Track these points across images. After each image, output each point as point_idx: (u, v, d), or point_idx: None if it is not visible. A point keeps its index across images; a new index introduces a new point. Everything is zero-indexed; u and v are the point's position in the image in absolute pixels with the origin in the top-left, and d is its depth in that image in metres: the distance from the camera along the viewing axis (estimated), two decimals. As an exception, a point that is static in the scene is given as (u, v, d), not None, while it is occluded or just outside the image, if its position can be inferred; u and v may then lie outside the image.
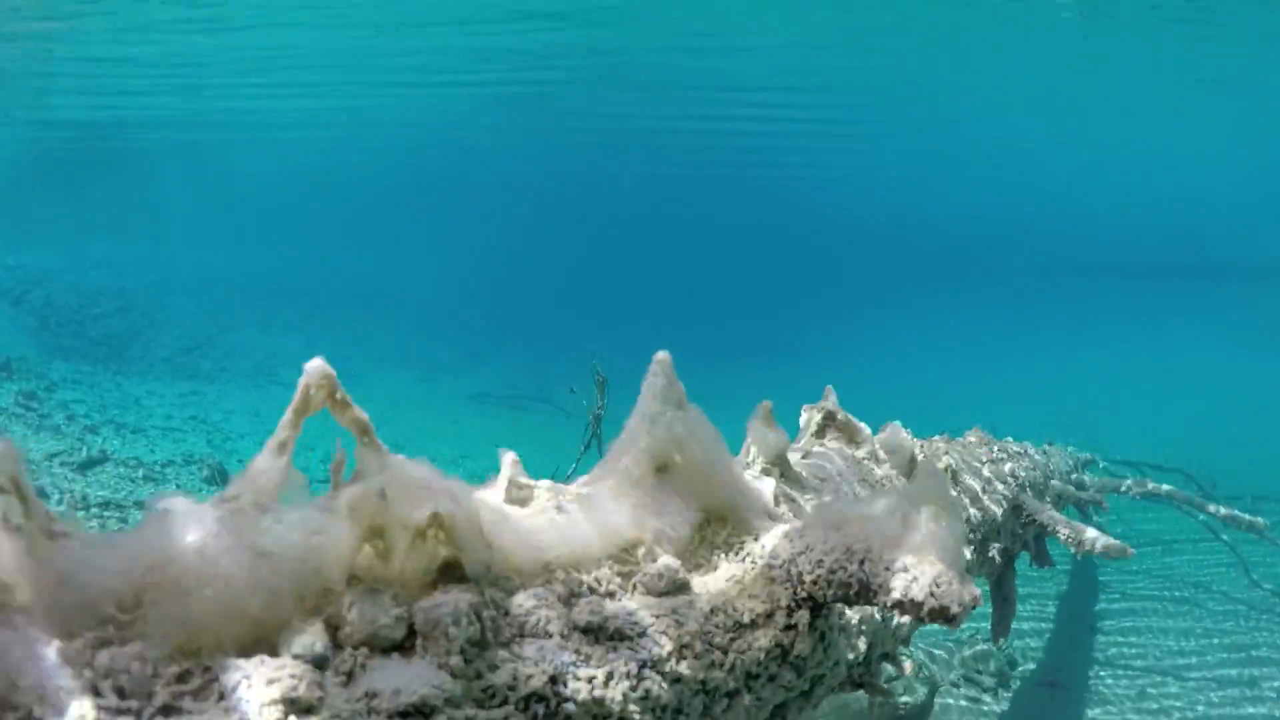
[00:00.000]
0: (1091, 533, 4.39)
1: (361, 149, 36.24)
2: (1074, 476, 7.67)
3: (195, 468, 15.09)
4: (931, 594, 1.61)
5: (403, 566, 1.49)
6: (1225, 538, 11.25)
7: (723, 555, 1.88)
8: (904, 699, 7.70)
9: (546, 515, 1.74)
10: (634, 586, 1.72)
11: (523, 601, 1.56)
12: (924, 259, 58.63)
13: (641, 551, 1.76)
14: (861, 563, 1.69)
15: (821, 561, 1.72)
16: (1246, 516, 8.48)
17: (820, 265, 62.07)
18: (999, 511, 4.05)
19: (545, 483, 1.90)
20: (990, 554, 3.86)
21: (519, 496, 1.84)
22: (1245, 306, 32.67)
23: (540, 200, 55.92)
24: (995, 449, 4.63)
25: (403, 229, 56.99)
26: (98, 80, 25.32)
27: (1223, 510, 8.56)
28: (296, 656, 1.33)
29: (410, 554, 1.49)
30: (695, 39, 21.81)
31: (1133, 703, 8.58)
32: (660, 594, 1.70)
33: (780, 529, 1.89)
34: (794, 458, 2.66)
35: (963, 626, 9.84)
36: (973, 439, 4.79)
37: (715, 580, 1.81)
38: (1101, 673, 9.46)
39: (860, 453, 2.96)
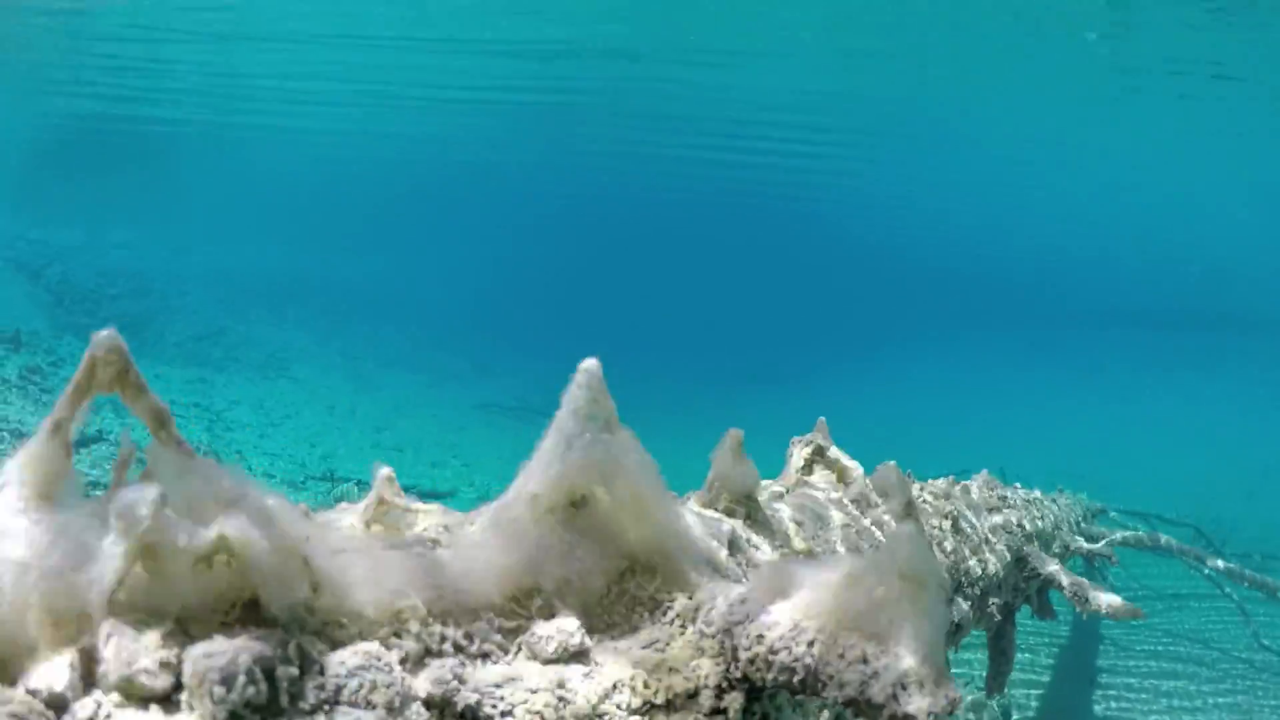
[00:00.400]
0: (1097, 592, 4.06)
1: (385, 152, 36.16)
2: (1083, 526, 7.32)
3: (192, 456, 14.84)
4: (895, 696, 1.24)
5: (185, 599, 1.14)
6: (1234, 596, 10.86)
7: (646, 614, 1.48)
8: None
9: (417, 548, 1.37)
10: (518, 647, 1.35)
11: (346, 659, 1.17)
12: (939, 297, 58.25)
13: (537, 604, 1.38)
14: (811, 644, 1.31)
15: (762, 637, 1.35)
16: (1261, 578, 8.12)
17: (832, 297, 61.67)
18: (1001, 565, 3.72)
19: (435, 506, 1.53)
20: (989, 609, 3.53)
21: (391, 521, 1.46)
22: (1267, 361, 32.14)
23: (555, 216, 55.94)
24: (1002, 495, 4.29)
25: (420, 234, 56.98)
26: (128, 67, 25.36)
27: (1233, 567, 8.19)
28: (31, 691, 1.02)
29: (193, 583, 1.13)
30: (707, 65, 21.68)
31: (1133, 761, 8.25)
32: (548, 661, 1.33)
33: (721, 588, 1.49)
34: (764, 497, 2.33)
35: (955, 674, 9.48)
36: (978, 484, 4.46)
37: (629, 646, 1.42)
38: (1100, 727, 9.14)
39: (849, 494, 2.63)
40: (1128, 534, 8.06)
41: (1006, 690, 9.52)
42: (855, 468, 2.69)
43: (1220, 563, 8.25)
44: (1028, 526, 4.29)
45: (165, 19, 21.17)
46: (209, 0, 19.83)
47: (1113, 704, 9.62)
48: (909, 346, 39.75)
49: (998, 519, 3.98)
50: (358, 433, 18.97)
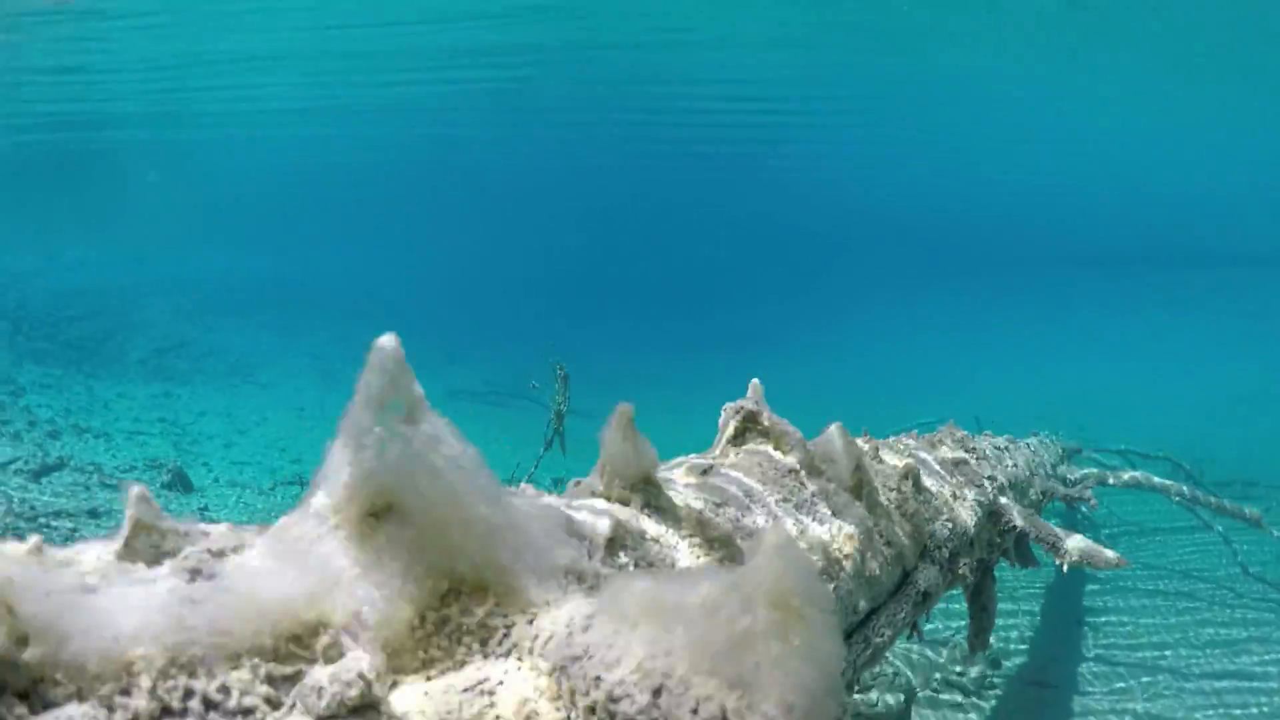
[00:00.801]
0: (1075, 541, 3.80)
1: (338, 147, 35.56)
2: (1060, 469, 7.08)
3: (157, 472, 14.50)
4: (759, 759, 0.91)
5: None
6: (1218, 527, 10.68)
7: (475, 646, 1.16)
8: (876, 709, 7.12)
9: (170, 581, 1.06)
10: (293, 703, 1.03)
11: (50, 726, 0.88)
12: (907, 249, 58.05)
13: (323, 642, 1.06)
14: (657, 692, 0.99)
15: (600, 680, 1.03)
16: (1242, 509, 7.92)
17: (801, 255, 61.35)
18: (972, 520, 3.45)
19: (220, 527, 1.20)
20: (960, 570, 3.26)
21: (152, 550, 1.13)
22: (1232, 293, 32.19)
23: (517, 195, 55.18)
24: (970, 447, 4.01)
25: (380, 226, 56.16)
26: (72, 78, 24.77)
27: (1214, 502, 7.97)
28: None
29: None
30: (674, 30, 21.26)
31: (1125, 701, 8.04)
32: (322, 717, 1.02)
33: (570, 608, 1.16)
34: (678, 474, 2.03)
35: (942, 628, 9.28)
36: (943, 437, 4.17)
37: (444, 689, 1.09)
38: (1091, 670, 8.96)
39: (786, 464, 2.33)
40: (1106, 473, 7.83)
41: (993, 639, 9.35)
42: (793, 433, 2.39)
43: (1212, 499, 8.02)
44: (1000, 478, 4.02)
45: (102, 28, 20.63)
46: (146, 4, 19.27)
47: (1102, 642, 9.45)
48: (877, 301, 39.53)
49: (965, 473, 3.70)
50: (328, 433, 18.41)
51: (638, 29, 21.23)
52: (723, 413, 2.51)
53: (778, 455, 2.34)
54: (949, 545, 3.11)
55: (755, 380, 2.52)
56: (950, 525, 3.19)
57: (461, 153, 38.35)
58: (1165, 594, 10.50)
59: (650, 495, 1.75)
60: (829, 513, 2.23)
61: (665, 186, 52.43)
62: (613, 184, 51.18)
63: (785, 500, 2.16)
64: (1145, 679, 8.50)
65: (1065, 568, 3.85)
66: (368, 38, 21.52)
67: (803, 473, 2.29)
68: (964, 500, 3.45)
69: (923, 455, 3.58)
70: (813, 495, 2.24)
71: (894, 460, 3.08)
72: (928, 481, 3.24)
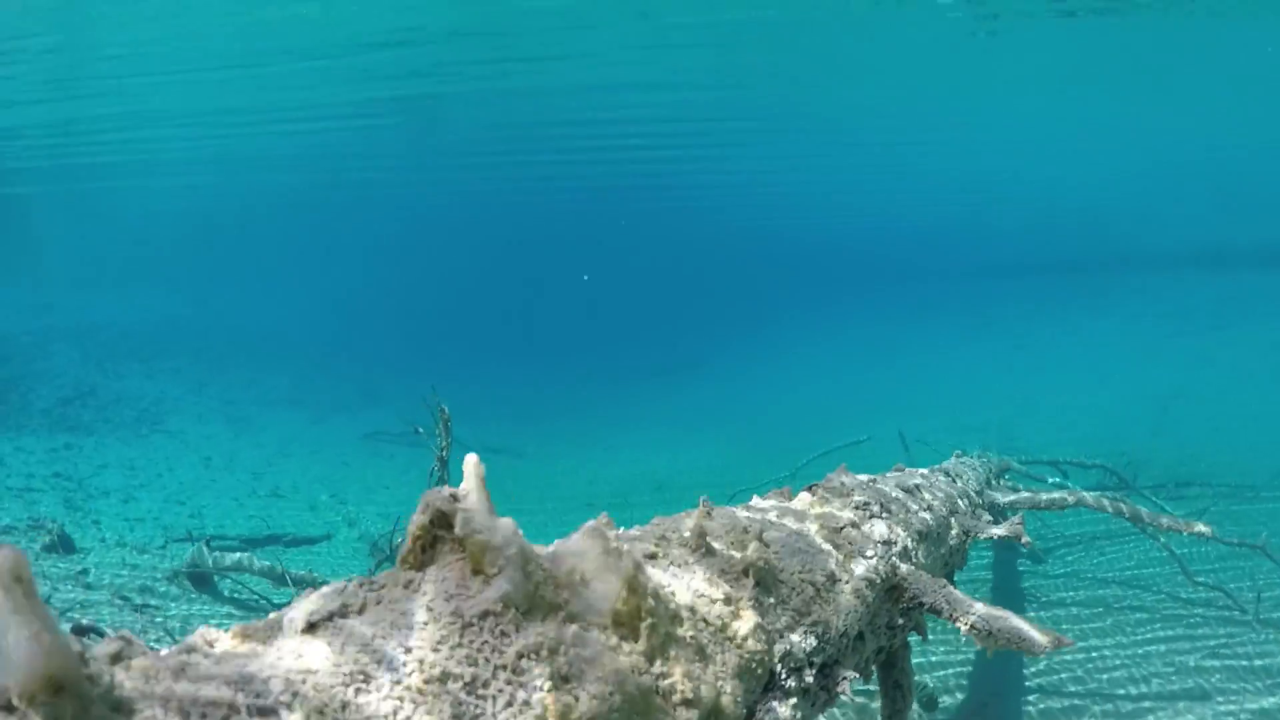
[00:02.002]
0: (999, 622, 2.81)
1: (249, 188, 34.15)
2: (988, 494, 6.18)
3: (39, 533, 13.19)
4: None
5: None
6: (1160, 537, 9.89)
7: None
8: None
9: None
10: None
11: None
12: (826, 269, 57.59)
13: None
14: None
15: None
16: (1191, 523, 7.09)
17: (722, 281, 60.40)
18: (856, 614, 2.47)
19: None
20: (840, 687, 2.27)
21: None
22: (1149, 295, 31.84)
23: (437, 232, 53.79)
24: (863, 502, 3.02)
25: (293, 266, 54.38)
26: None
27: (1161, 521, 7.11)
28: None
29: None
30: (569, 58, 20.44)
31: (1075, 728, 7.20)
32: None
33: None
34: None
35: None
36: (833, 489, 3.18)
37: None
38: (1035, 699, 8.12)
39: (487, 596, 1.31)
40: (1040, 495, 6.91)
41: (929, 671, 8.42)
42: (506, 543, 1.38)
43: (1161, 518, 7.17)
44: (901, 538, 3.04)
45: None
46: (40, 44, 18.09)
47: (1047, 671, 8.61)
48: (799, 323, 38.77)
49: (853, 540, 2.73)
50: (234, 483, 17.34)
51: (546, 65, 20.49)
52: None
53: (473, 585, 1.32)
54: (818, 658, 2.13)
55: (471, 457, 1.51)
56: (820, 630, 2.20)
57: (373, 189, 37.16)
58: (1110, 609, 9.68)
59: None
60: (545, 686, 1.22)
61: (584, 220, 51.63)
62: (529, 219, 50.20)
63: (450, 682, 1.14)
64: (1098, 709, 7.66)
65: (990, 654, 2.90)
66: (265, 85, 20.50)
67: (511, 614, 1.27)
68: (846, 582, 2.48)
69: (785, 527, 2.58)
70: (518, 658, 1.22)
71: (731, 551, 2.08)
72: (789, 568, 2.26)
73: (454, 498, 1.53)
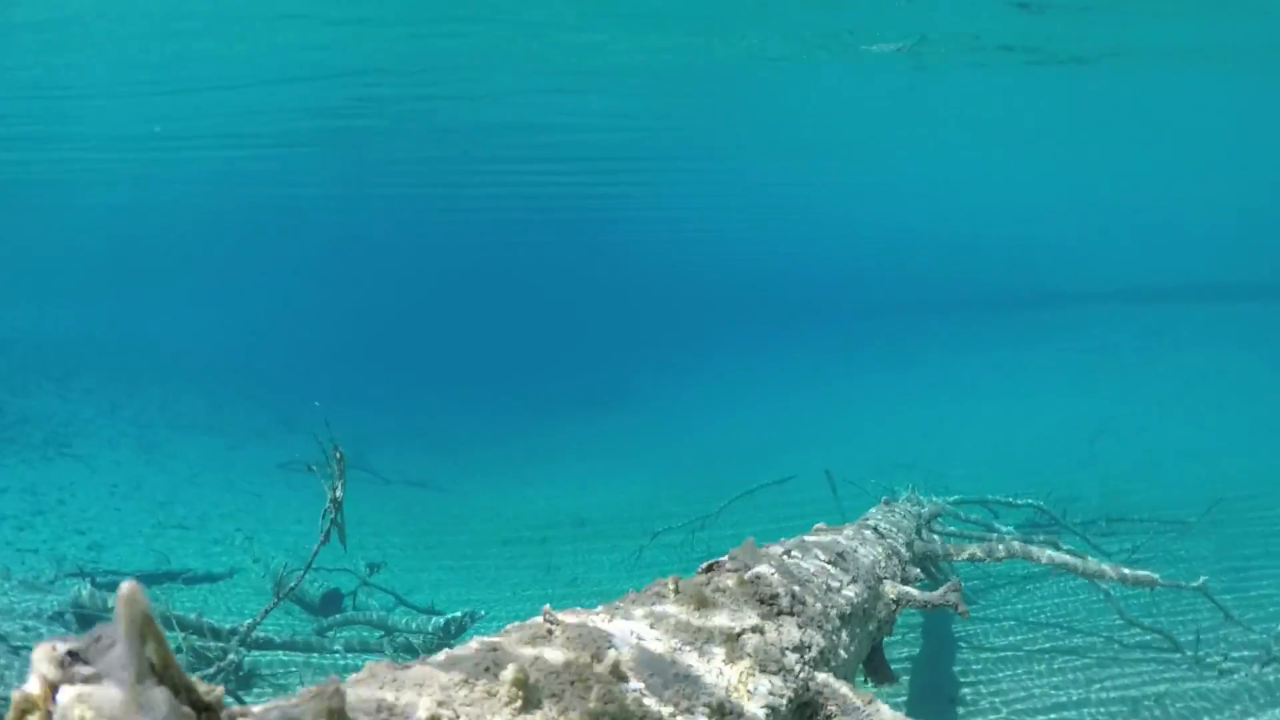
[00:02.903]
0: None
1: (170, 208, 32.87)
2: (919, 545, 5.57)
3: (-89, 565, 12.12)
4: None
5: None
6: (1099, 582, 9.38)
7: None
8: None
9: None
10: None
11: None
12: (754, 304, 57.11)
13: None
14: None
15: None
16: (1137, 572, 6.57)
17: (647, 314, 59.40)
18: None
19: None
20: None
21: None
22: (1074, 330, 31.79)
23: (361, 259, 52.49)
24: (773, 594, 2.32)
25: (215, 288, 52.51)
26: None
27: (1108, 571, 6.57)
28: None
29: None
30: (500, 93, 19.84)
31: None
32: None
33: None
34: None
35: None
36: (706, 599, 2.45)
37: None
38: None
39: None
40: (975, 547, 6.31)
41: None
42: None
43: (1105, 567, 6.62)
44: (817, 645, 2.35)
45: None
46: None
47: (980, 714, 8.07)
48: (726, 359, 38.08)
49: (758, 651, 2.05)
50: (138, 513, 16.26)
51: (476, 91, 19.89)
52: None
53: None
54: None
55: (125, 589, 0.84)
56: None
57: (294, 218, 36.12)
58: (1045, 653, 9.14)
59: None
60: None
61: (510, 250, 50.89)
62: (453, 248, 49.27)
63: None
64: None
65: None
66: (186, 112, 19.68)
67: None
68: (743, 713, 1.80)
69: (650, 652, 1.89)
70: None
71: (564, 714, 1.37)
72: (651, 714, 1.57)
73: (73, 658, 0.85)
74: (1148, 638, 9.10)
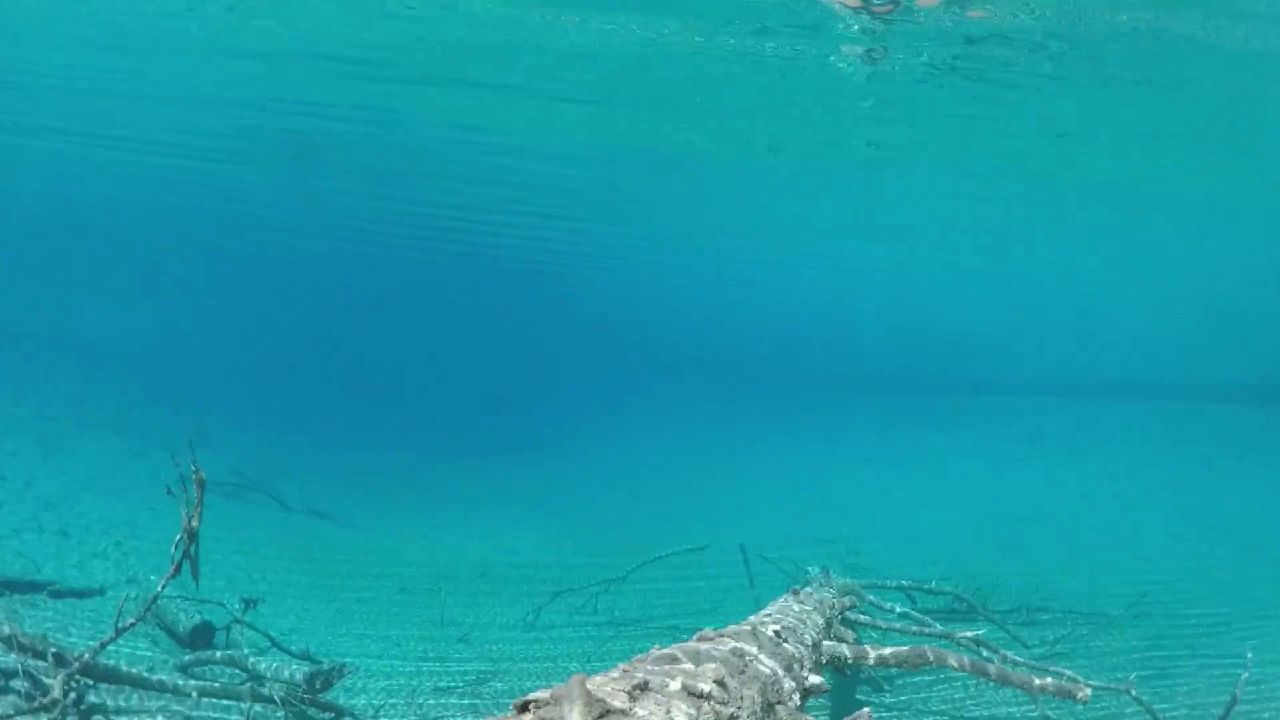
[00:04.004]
0: None
1: (92, 196, 31.42)
2: (827, 650, 4.82)
3: None
4: None
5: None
6: (1003, 653, 8.70)
7: None
8: None
9: None
10: None
11: None
12: (681, 367, 56.30)
13: None
14: None
15: None
16: (1064, 685, 5.87)
17: (573, 367, 58.23)
18: None
19: None
20: None
21: None
22: (1003, 418, 31.49)
23: (289, 283, 50.87)
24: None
25: (140, 283, 50.20)
26: None
27: (1037, 683, 5.85)
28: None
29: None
30: (434, 128, 19.25)
31: None
32: None
33: None
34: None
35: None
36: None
37: None
38: None
39: None
40: (886, 651, 5.54)
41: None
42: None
43: (1035, 679, 5.91)
44: None
45: None
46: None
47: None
48: (648, 417, 37.21)
49: None
50: (20, 513, 15.00)
51: (413, 130, 19.13)
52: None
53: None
54: None
55: None
56: None
57: (228, 226, 34.87)
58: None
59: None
60: None
61: (439, 289, 49.86)
62: (382, 283, 48.15)
63: None
64: None
65: None
66: (129, 76, 18.63)
67: None
68: None
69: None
70: None
71: None
72: None
73: None
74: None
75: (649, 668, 2.49)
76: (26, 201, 33.45)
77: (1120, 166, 20.53)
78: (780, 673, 3.30)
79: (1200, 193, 22.66)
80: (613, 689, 2.13)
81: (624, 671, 2.42)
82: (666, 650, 2.78)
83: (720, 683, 2.54)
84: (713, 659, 2.76)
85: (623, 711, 2.04)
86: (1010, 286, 41.88)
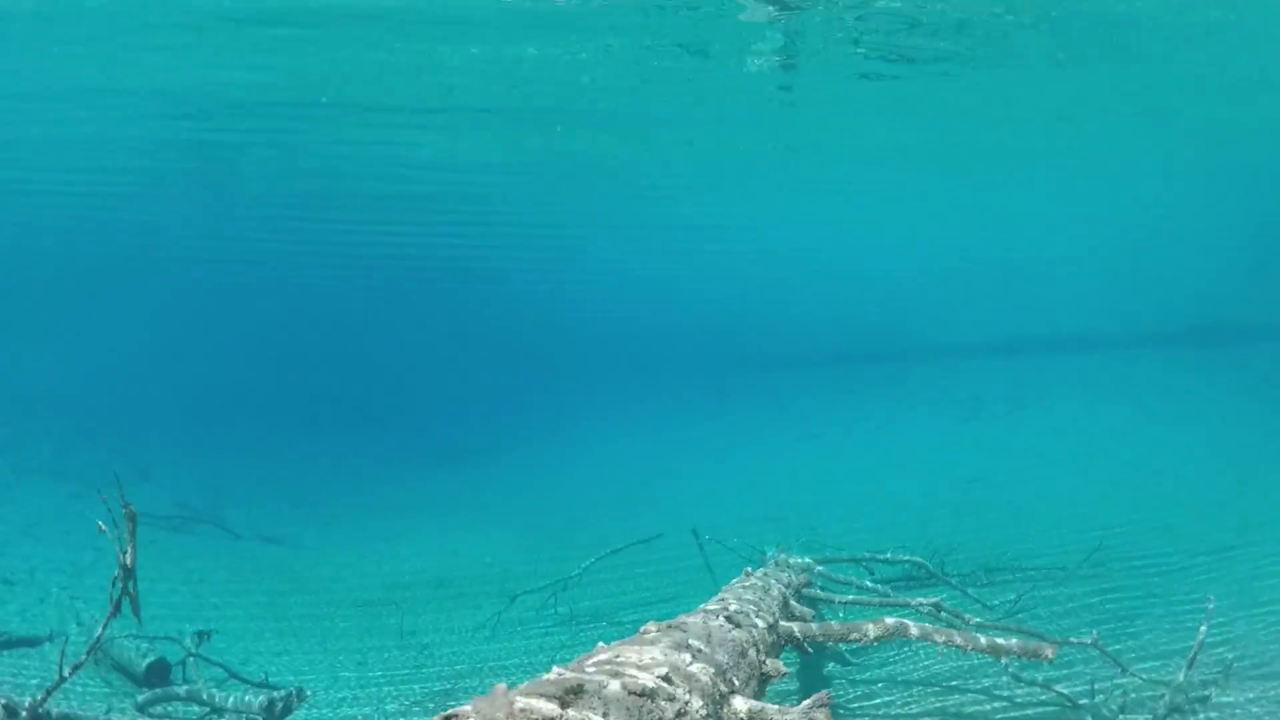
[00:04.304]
0: None
1: (9, 234, 30.47)
2: (783, 630, 4.73)
3: None
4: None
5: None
6: (964, 616, 8.68)
7: None
8: None
9: None
10: None
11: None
12: (616, 358, 56.10)
13: None
14: None
15: None
16: (1029, 644, 5.84)
17: (512, 367, 57.64)
18: None
19: None
20: None
21: None
22: (944, 383, 31.64)
23: (221, 303, 49.86)
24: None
25: (67, 326, 48.84)
26: None
27: (1002, 643, 5.81)
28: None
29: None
30: (368, 129, 18.91)
31: None
32: None
33: None
34: None
35: None
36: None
37: None
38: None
39: None
40: (847, 627, 5.46)
41: None
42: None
43: (985, 639, 5.86)
44: None
45: None
46: None
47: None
48: (590, 412, 36.91)
49: None
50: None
51: (330, 147, 18.78)
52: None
53: None
54: None
55: None
56: None
57: (155, 256, 34.07)
58: (927, 715, 8.35)
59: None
60: None
61: (381, 298, 49.25)
62: (320, 294, 47.38)
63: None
64: None
65: None
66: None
67: None
68: None
69: None
70: None
71: None
72: None
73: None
74: (1043, 696, 8.39)
75: (588, 668, 2.37)
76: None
77: (1039, 131, 20.75)
78: (733, 660, 3.19)
79: (1119, 149, 23.00)
80: (542, 696, 2.00)
81: (559, 675, 2.30)
82: (610, 647, 2.65)
83: (666, 678, 2.43)
84: (658, 653, 2.64)
85: (572, 692, 1.92)
86: (940, 248, 42.18)
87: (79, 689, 10.25)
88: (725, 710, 2.75)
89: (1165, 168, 25.94)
